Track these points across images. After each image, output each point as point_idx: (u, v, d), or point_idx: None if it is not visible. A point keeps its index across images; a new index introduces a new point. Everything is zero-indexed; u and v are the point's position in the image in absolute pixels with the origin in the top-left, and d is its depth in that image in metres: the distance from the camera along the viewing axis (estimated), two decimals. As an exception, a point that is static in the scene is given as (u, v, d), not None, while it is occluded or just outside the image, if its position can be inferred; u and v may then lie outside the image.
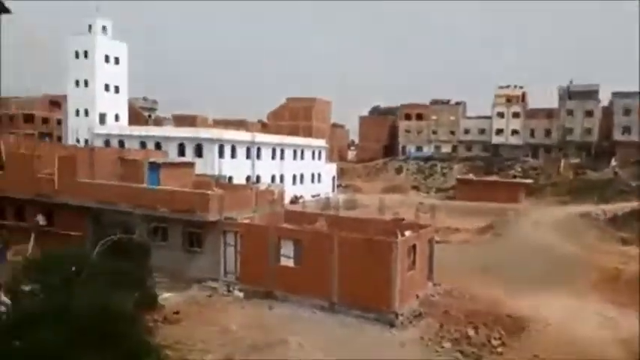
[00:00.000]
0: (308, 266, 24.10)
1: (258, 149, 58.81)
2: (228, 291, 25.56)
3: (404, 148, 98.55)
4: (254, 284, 25.16)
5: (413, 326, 22.30)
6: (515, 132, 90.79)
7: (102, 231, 18.16)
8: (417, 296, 24.91)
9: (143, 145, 55.03)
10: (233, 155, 55.03)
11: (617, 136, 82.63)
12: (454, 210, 54.66)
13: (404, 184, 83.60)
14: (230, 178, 47.36)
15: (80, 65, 67.07)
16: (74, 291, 13.16)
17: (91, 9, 68.21)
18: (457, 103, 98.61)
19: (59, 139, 78.17)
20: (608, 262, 32.01)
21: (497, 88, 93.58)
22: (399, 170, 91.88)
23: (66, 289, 13.37)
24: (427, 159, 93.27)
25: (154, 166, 32.08)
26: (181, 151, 53.41)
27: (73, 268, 14.98)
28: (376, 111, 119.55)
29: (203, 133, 55.99)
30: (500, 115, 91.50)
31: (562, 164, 79.96)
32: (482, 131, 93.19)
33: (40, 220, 30.77)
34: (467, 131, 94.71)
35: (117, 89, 69.50)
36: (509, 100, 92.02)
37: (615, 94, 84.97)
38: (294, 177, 65.13)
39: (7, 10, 3.06)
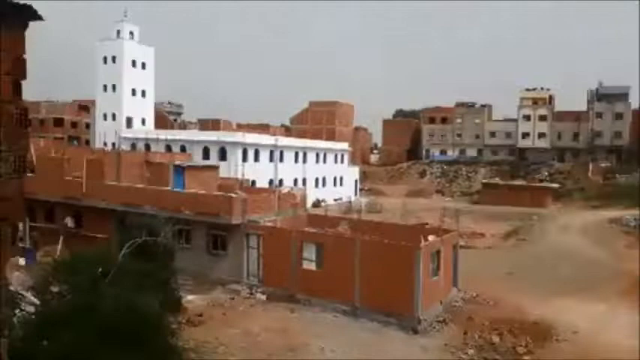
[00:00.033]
0: (330, 270, 24.07)
1: (281, 153, 59.10)
2: (251, 294, 25.69)
3: (427, 151, 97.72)
4: (276, 287, 25.25)
5: (436, 332, 22.05)
6: (542, 135, 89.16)
7: (127, 233, 18.42)
8: (441, 302, 24.63)
9: (168, 148, 55.87)
10: (256, 159, 55.43)
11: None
12: (479, 214, 54.02)
13: (428, 188, 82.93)
14: (253, 182, 47.70)
15: (108, 70, 68.55)
16: (101, 292, 13.40)
17: (120, 14, 69.76)
18: (483, 106, 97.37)
19: (87, 142, 79.91)
20: (637, 269, 31.14)
21: (524, 90, 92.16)
22: (422, 174, 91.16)
23: (93, 290, 13.62)
24: (452, 163, 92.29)
25: (179, 169, 32.52)
26: (206, 155, 54.01)
27: (100, 270, 15.26)
28: (400, 114, 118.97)
29: (227, 136, 56.55)
30: (527, 117, 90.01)
31: (591, 168, 78.19)
32: (508, 135, 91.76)
33: (69, 222, 31.47)
34: (492, 134, 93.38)
35: (143, 94, 70.78)
36: (535, 102, 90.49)
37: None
38: (317, 180, 65.24)
39: (39, 17, 3.18)
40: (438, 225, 28.89)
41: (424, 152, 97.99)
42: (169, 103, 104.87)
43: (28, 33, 3.38)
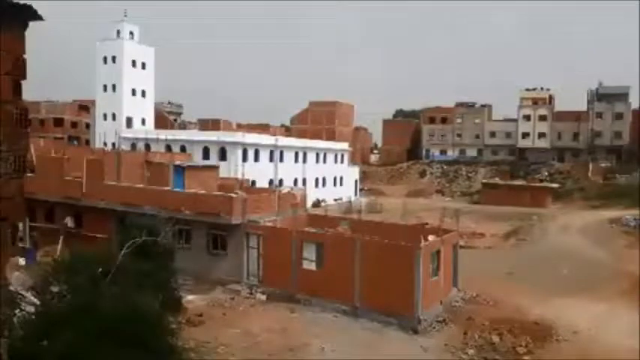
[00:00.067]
0: (330, 270, 24.08)
1: (281, 153, 59.11)
2: (251, 294, 25.71)
3: (427, 151, 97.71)
4: (276, 287, 25.26)
5: (436, 332, 22.08)
6: (542, 135, 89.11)
7: (127, 233, 18.40)
8: (441, 302, 24.64)
9: (168, 148, 55.85)
10: (256, 159, 55.43)
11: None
12: (479, 214, 54.04)
13: (428, 188, 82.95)
14: (253, 182, 47.70)
15: (108, 70, 68.50)
16: (101, 292, 13.41)
17: (119, 14, 69.75)
18: (483, 106, 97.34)
19: (87, 142, 79.87)
20: (638, 269, 31.14)
21: (524, 90, 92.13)
22: (422, 174, 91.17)
23: (93, 290, 13.62)
24: (452, 163, 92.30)
25: (179, 169, 32.53)
26: (206, 155, 54.00)
27: (100, 270, 15.26)
28: (400, 114, 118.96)
29: (227, 136, 56.55)
30: (527, 117, 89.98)
31: (591, 168, 78.19)
32: (508, 134, 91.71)
33: (69, 222, 31.49)
34: (492, 134, 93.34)
35: (143, 94, 70.74)
36: (535, 102, 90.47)
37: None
38: (317, 180, 65.25)
39: (39, 17, 3.17)
40: (438, 225, 28.89)
41: (424, 152, 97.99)
42: (169, 103, 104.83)
43: (27, 33, 3.38)
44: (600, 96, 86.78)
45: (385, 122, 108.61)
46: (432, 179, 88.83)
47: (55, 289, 14.94)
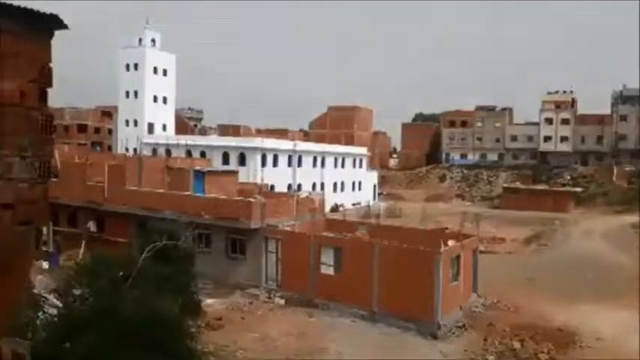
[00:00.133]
0: (348, 275, 24.04)
1: (300, 157, 59.26)
2: (269, 298, 25.79)
3: (447, 155, 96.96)
4: (295, 291, 25.30)
5: (456, 338, 21.86)
6: (564, 139, 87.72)
7: (148, 237, 18.65)
8: (461, 307, 24.39)
9: (189, 153, 56.44)
10: (275, 164, 55.68)
11: (675, 142, 78.65)
12: (500, 219, 53.39)
13: (448, 193, 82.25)
14: (272, 187, 47.91)
15: (130, 77, 69.62)
16: (122, 296, 13.60)
17: (142, 21, 70.86)
18: (503, 110, 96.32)
19: (109, 148, 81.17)
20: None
21: (545, 93, 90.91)
22: (442, 178, 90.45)
23: (114, 293, 13.82)
24: (472, 167, 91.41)
25: (199, 175, 32.87)
26: (225, 160, 54.46)
27: (121, 274, 15.48)
28: (419, 118, 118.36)
29: (246, 142, 56.97)
30: (549, 121, 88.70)
31: (615, 172, 76.63)
32: (529, 138, 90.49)
33: (91, 226, 32.01)
34: (514, 138, 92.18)
35: (165, 100, 71.70)
36: (557, 105, 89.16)
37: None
38: (335, 185, 65.20)
39: (64, 27, 3.24)
40: (458, 230, 28.66)
41: (444, 156, 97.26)
42: (190, 108, 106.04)
43: (53, 41, 3.49)
44: (625, 98, 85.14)
45: (404, 126, 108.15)
46: (452, 183, 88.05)
47: (77, 292, 15.20)
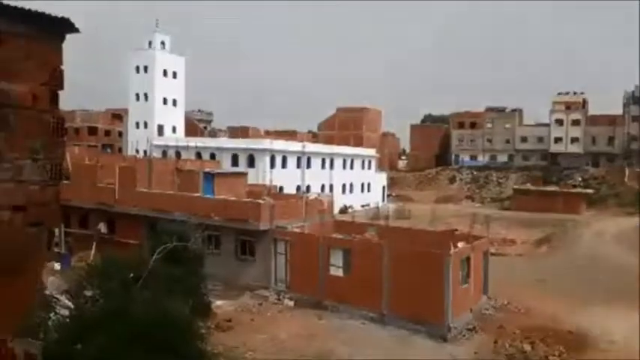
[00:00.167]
0: (357, 276, 23.99)
1: (308, 159, 59.29)
2: (279, 299, 25.80)
3: (457, 157, 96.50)
4: (304, 293, 25.29)
5: (466, 340, 21.73)
6: (575, 140, 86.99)
7: (158, 239, 18.75)
8: (471, 310, 24.25)
9: (199, 155, 56.70)
10: (284, 165, 55.77)
11: (689, 143, 77.66)
12: (510, 221, 53.02)
13: (457, 194, 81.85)
14: (281, 188, 47.98)
15: (140, 80, 70.12)
16: (133, 297, 13.67)
17: (151, 24, 71.38)
18: (513, 111, 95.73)
19: (120, 150, 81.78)
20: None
21: (556, 94, 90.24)
22: (452, 180, 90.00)
23: (125, 294, 13.90)
24: (482, 168, 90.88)
25: (209, 176, 33.00)
26: (235, 162, 54.63)
27: (132, 275, 15.57)
28: (428, 119, 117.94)
29: (255, 143, 57.12)
30: (559, 122, 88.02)
31: (627, 173, 75.81)
32: (540, 139, 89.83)
33: (102, 228, 32.24)
34: (524, 139, 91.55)
35: (174, 102, 72.13)
36: (568, 107, 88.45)
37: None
38: (344, 186, 65.15)
39: (76, 30, 3.28)
40: (468, 231, 28.50)
41: (453, 158, 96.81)
42: (199, 110, 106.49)
43: (64, 44, 3.52)
44: (636, 99, 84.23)
45: (413, 127, 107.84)
46: (462, 185, 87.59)
47: (88, 293, 15.31)
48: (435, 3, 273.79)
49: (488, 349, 20.71)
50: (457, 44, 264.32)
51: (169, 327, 12.17)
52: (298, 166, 57.66)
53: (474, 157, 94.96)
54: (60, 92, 3.48)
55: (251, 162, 53.96)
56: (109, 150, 79.98)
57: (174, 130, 71.62)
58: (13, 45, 3.13)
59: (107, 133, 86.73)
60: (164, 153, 60.97)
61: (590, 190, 69.77)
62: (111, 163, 36.00)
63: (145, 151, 66.15)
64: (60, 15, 3.34)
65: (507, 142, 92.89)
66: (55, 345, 11.36)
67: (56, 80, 3.32)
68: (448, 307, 21.73)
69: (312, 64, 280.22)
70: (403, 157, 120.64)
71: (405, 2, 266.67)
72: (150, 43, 70.62)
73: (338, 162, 64.99)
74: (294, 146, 59.25)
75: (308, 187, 56.17)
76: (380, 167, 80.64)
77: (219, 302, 23.80)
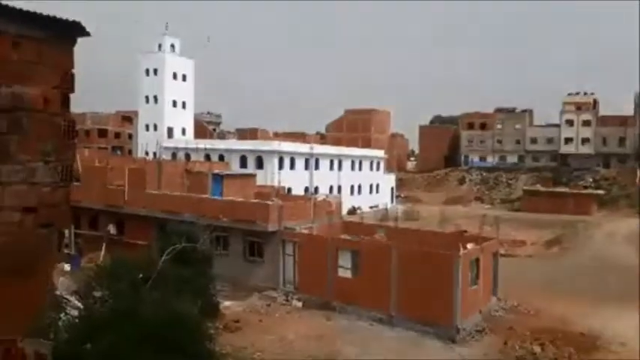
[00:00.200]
0: (366, 278, 23.96)
1: (317, 160, 59.32)
2: (287, 300, 25.83)
3: (466, 158, 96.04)
4: (312, 294, 25.30)
5: (475, 342, 21.63)
6: (585, 141, 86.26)
7: (167, 240, 18.84)
8: (480, 311, 24.14)
9: (207, 157, 56.91)
10: (292, 166, 55.84)
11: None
12: (520, 222, 52.63)
13: (467, 195, 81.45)
14: (289, 189, 48.02)
15: (150, 82, 70.53)
16: (142, 297, 13.75)
17: (161, 27, 71.83)
18: (523, 111, 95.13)
19: (130, 152, 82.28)
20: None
21: (566, 95, 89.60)
22: (461, 181, 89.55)
23: (134, 295, 13.99)
24: (491, 169, 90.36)
25: (218, 178, 33.12)
26: (243, 163, 54.77)
27: (141, 276, 15.66)
28: (437, 120, 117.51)
29: (263, 145, 57.26)
30: (570, 123, 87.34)
31: (638, 174, 75.02)
32: (549, 140, 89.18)
33: (111, 229, 32.46)
34: (534, 140, 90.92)
35: (184, 105, 72.49)
36: (579, 107, 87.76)
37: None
38: (352, 188, 65.08)
39: (87, 34, 3.31)
40: (478, 233, 28.37)
41: (463, 158, 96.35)
42: (208, 113, 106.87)
43: (75, 47, 3.57)
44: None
45: (422, 128, 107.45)
46: (471, 186, 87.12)
47: (97, 294, 15.41)
48: (443, 3, 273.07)
49: (497, 351, 20.59)
50: (466, 44, 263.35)
51: (178, 327, 12.23)
52: (306, 167, 57.71)
53: (483, 158, 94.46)
54: (71, 95, 3.53)
55: (259, 163, 54.08)
56: (118, 152, 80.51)
57: (183, 132, 71.97)
58: (26, 49, 3.19)
59: (117, 135, 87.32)
60: (173, 155, 61.27)
61: (601, 191, 69.17)
62: (121, 165, 36.24)
63: (154, 153, 66.48)
64: (71, 19, 3.39)
65: (517, 142, 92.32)
66: (64, 345, 11.46)
67: (67, 83, 3.37)
68: (457, 309, 21.65)
69: (320, 66, 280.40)
70: (412, 158, 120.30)
71: (413, 2, 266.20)
72: (160, 45, 71.04)
73: (346, 163, 64.95)
74: (303, 148, 59.29)
75: (316, 189, 56.19)
76: (388, 168, 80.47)
77: (227, 303, 23.88)
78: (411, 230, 31.41)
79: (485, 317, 24.00)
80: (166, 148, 63.54)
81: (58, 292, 17.33)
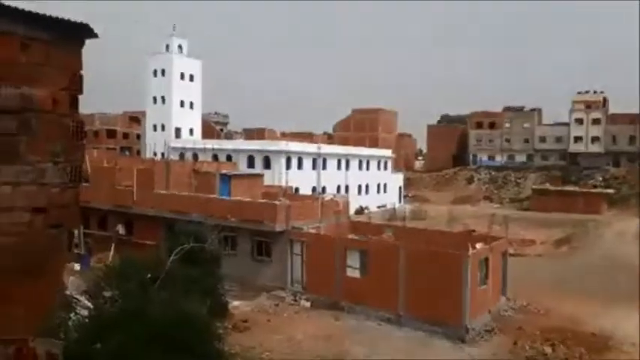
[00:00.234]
0: (374, 277, 23.92)
1: (324, 160, 59.29)
2: (295, 300, 25.84)
3: (474, 157, 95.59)
4: (320, 294, 25.29)
5: (484, 342, 21.52)
6: (595, 139, 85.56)
7: (175, 240, 18.91)
8: (489, 311, 24.02)
9: (215, 157, 57.06)
10: (299, 166, 55.85)
11: None
12: (529, 221, 52.32)
13: (475, 195, 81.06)
14: (297, 189, 48.04)
15: (158, 83, 70.86)
16: (150, 297, 13.81)
17: (162, 28, 72.14)
18: (532, 110, 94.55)
19: (138, 152, 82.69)
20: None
21: (576, 93, 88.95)
22: (470, 180, 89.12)
23: (142, 295, 14.05)
24: (500, 168, 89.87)
25: (225, 178, 33.20)
26: (251, 163, 54.87)
27: (150, 276, 15.72)
28: (445, 119, 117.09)
29: (271, 145, 57.32)
30: (579, 121, 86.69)
31: (648, 173, 74.35)
32: (558, 139, 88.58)
33: (120, 229, 32.64)
34: (543, 139, 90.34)
35: (191, 105, 72.74)
36: (588, 106, 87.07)
37: None
38: (360, 187, 64.98)
39: (95, 35, 3.33)
40: (486, 232, 28.23)
41: (471, 158, 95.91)
42: (216, 113, 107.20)
43: (83, 49, 3.59)
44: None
45: (430, 128, 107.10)
46: (480, 185, 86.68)
47: (107, 294, 15.49)
48: (443, 3, 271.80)
49: (507, 351, 20.48)
50: (466, 44, 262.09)
51: (187, 327, 12.27)
52: (314, 167, 57.70)
53: (491, 157, 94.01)
54: (79, 96, 3.55)
55: (267, 163, 54.15)
56: (127, 152, 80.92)
57: (191, 132, 72.23)
58: (35, 50, 3.21)
59: (125, 135, 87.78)
60: (181, 155, 61.50)
61: (610, 190, 68.61)
62: (129, 166, 36.41)
63: (162, 154, 66.77)
64: (79, 20, 3.41)
65: (526, 141, 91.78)
66: (74, 344, 11.52)
67: (76, 85, 3.39)
68: (466, 309, 21.55)
69: (320, 66, 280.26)
70: (420, 158, 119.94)
71: (413, 2, 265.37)
72: (167, 46, 71.36)
73: (354, 163, 64.87)
74: (310, 147, 59.30)
75: (324, 189, 56.18)
76: (396, 168, 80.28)
77: (236, 303, 23.93)
78: (419, 230, 31.31)
79: (494, 317, 23.88)
80: (174, 149, 63.79)
81: (68, 292, 17.44)
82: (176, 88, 70.25)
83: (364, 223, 33.23)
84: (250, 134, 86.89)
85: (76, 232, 30.02)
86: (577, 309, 24.82)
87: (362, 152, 68.44)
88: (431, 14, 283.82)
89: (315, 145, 60.90)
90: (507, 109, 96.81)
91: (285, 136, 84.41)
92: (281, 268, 27.15)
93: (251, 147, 58.03)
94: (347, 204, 34.84)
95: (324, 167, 58.96)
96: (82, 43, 3.48)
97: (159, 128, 71.17)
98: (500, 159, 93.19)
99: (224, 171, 35.71)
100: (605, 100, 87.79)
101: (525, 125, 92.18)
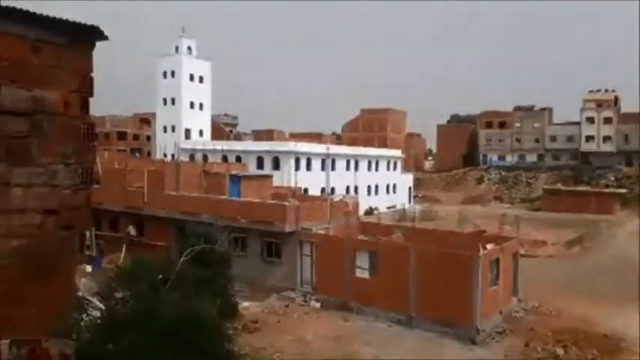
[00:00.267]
0: (384, 278, 23.85)
1: (333, 161, 59.24)
2: (305, 301, 25.84)
3: (485, 157, 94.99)
4: (330, 295, 25.26)
5: (495, 343, 21.37)
6: (607, 138, 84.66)
7: (186, 241, 19.00)
8: (500, 312, 23.85)
9: (225, 158, 57.24)
10: (308, 167, 55.86)
11: None
12: (540, 222, 51.93)
13: (485, 195, 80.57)
14: (306, 190, 48.05)
15: (168, 84, 71.25)
16: (161, 298, 13.88)
17: (169, 28, 72.54)
18: (542, 109, 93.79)
19: (148, 154, 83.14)
20: None
21: (587, 92, 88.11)
22: (480, 180, 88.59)
23: (153, 296, 14.12)
24: (510, 168, 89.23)
25: (235, 179, 33.28)
26: (260, 164, 54.98)
27: (160, 277, 15.81)
28: (455, 119, 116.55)
29: (280, 146, 57.39)
30: (590, 120, 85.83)
31: (662, 172, 73.50)
32: (570, 138, 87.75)
33: (131, 230, 32.83)
34: (553, 139, 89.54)
35: (201, 106, 73.05)
36: (599, 104, 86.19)
37: None
38: (369, 188, 64.84)
39: (105, 38, 3.35)
40: (497, 232, 28.06)
41: (481, 158, 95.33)
42: (225, 114, 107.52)
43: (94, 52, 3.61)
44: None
45: (439, 127, 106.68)
46: (490, 185, 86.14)
47: (118, 295, 15.59)
48: (443, 3, 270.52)
49: (518, 353, 20.32)
50: (466, 44, 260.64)
51: (197, 328, 12.31)
52: (323, 167, 57.68)
53: (502, 157, 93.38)
54: (90, 99, 3.58)
55: (276, 164, 54.22)
56: (137, 154, 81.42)
57: (200, 133, 72.53)
58: (46, 53, 3.23)
59: (136, 137, 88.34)
60: (191, 156, 61.77)
61: (623, 190, 67.90)
62: (140, 167, 36.64)
63: (172, 155, 67.03)
64: (90, 23, 3.43)
65: (537, 141, 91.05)
66: (87, 345, 11.60)
67: (86, 87, 3.41)
68: (477, 310, 21.42)
69: (328, 65, 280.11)
70: (430, 158, 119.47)
71: (413, 2, 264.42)
72: (177, 48, 71.72)
73: (363, 163, 64.74)
74: (319, 148, 59.27)
75: (333, 189, 56.13)
76: (406, 168, 80.00)
77: (245, 304, 23.98)
78: (428, 231, 31.19)
79: (505, 318, 23.71)
80: (184, 150, 64.06)
81: (80, 294, 17.58)
82: (186, 90, 70.59)
83: (374, 224, 33.15)
84: (259, 135, 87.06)
85: (87, 233, 30.33)
86: (589, 310, 24.56)
87: (371, 152, 68.28)
88: (431, 14, 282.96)
89: (324, 146, 60.85)
90: (517, 108, 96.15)
91: (294, 137, 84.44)
92: (291, 269, 27.17)
93: (260, 148, 58.15)
94: (356, 205, 34.78)
95: (333, 168, 58.91)
96: (93, 46, 3.51)
97: (169, 130, 71.55)
98: (510, 159, 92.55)
99: (234, 172, 35.83)
100: (616, 98, 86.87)
101: (536, 125, 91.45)
